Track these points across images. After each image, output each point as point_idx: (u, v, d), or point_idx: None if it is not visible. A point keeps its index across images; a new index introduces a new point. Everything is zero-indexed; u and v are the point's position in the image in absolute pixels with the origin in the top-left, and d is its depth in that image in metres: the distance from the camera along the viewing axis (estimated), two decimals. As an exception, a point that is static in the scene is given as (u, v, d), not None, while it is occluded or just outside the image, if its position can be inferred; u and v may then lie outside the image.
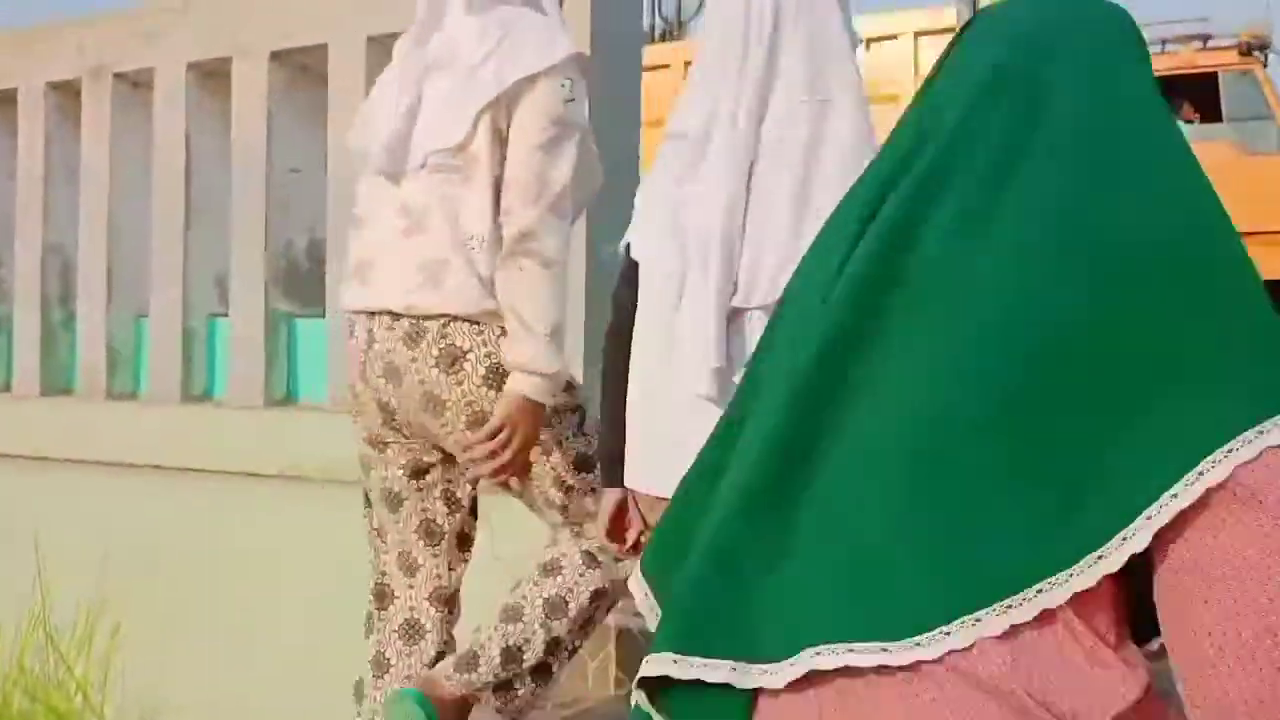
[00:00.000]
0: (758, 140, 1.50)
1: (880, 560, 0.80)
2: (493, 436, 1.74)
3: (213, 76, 3.77)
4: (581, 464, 1.90)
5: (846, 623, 0.80)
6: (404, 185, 1.82)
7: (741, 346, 1.47)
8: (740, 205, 1.49)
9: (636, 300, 1.59)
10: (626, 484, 1.63)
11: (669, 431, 1.50)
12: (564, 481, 1.90)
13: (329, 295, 3.40)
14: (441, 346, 1.79)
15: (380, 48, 3.35)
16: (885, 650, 0.77)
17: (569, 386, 1.91)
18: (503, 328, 1.78)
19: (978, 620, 0.76)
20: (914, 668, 0.77)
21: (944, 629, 0.76)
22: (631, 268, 1.61)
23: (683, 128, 1.57)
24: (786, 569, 0.84)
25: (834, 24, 1.53)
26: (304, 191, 3.68)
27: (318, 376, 3.49)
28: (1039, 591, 0.75)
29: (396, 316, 1.81)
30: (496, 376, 1.79)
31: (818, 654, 0.80)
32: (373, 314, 1.85)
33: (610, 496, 1.71)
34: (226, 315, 3.69)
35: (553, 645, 1.88)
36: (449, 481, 1.94)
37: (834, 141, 1.49)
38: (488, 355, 1.79)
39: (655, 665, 0.86)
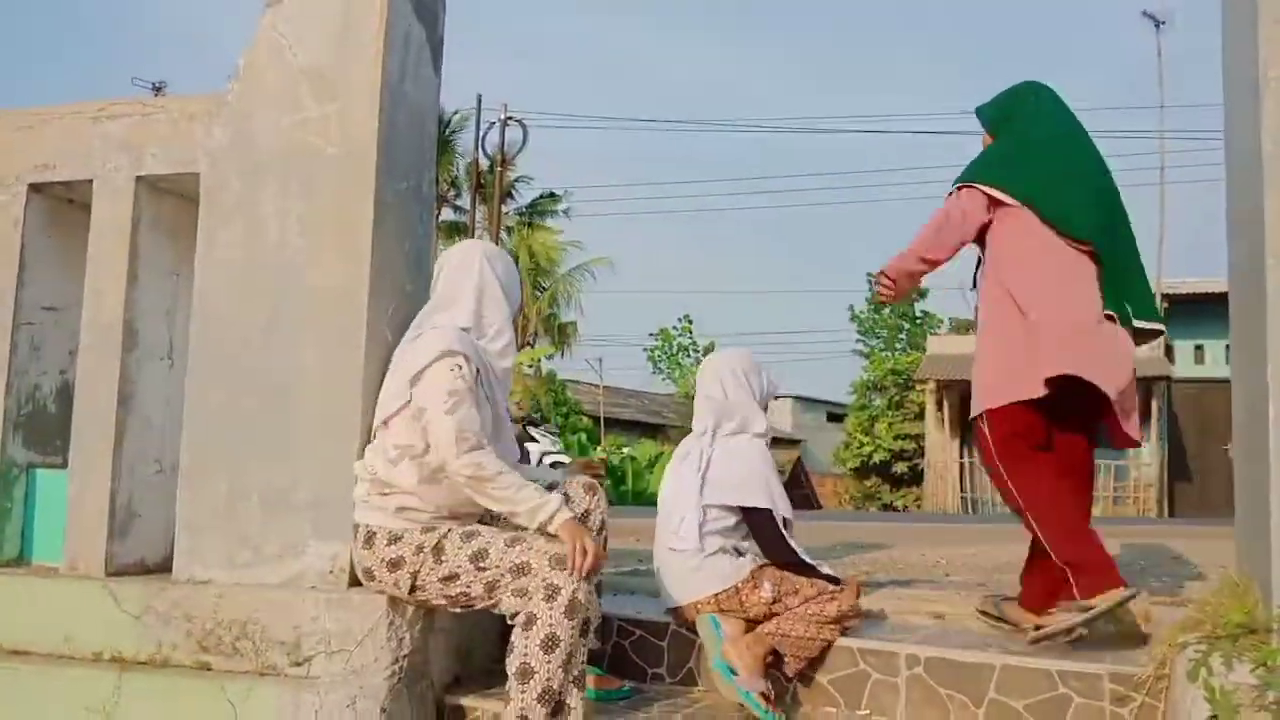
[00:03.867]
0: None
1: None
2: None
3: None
4: (479, 556, 2.60)
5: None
6: None
7: None
8: None
9: None
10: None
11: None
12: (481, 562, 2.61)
13: (74, 443, 3.13)
14: None
15: (149, 187, 3.20)
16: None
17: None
18: None
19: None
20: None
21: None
22: None
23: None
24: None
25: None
26: (58, 331, 3.42)
27: (55, 534, 3.16)
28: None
29: None
30: None
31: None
32: None
33: None
34: (-44, 463, 3.33)
35: (567, 663, 2.50)
36: None
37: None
38: None
39: None
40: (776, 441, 33.46)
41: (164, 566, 3.12)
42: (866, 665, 2.87)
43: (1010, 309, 3.02)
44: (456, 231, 25.23)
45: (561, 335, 27.11)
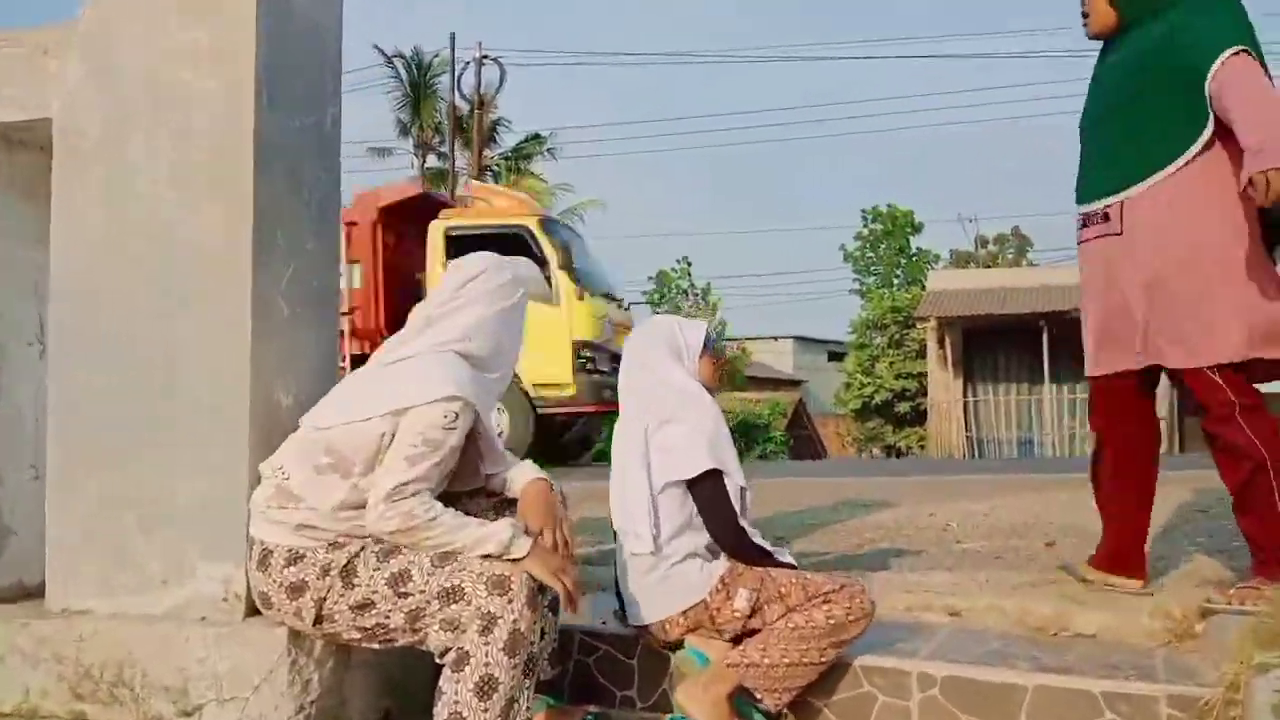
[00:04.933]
0: None
1: None
2: None
3: None
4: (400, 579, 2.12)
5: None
6: None
7: None
8: None
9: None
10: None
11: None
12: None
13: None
14: None
15: (5, 142, 2.68)
16: None
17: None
18: None
19: None
20: None
21: None
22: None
23: None
24: None
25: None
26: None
27: (-84, 554, 2.69)
28: None
29: None
30: None
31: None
32: None
33: None
34: None
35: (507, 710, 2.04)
36: None
37: None
38: None
39: None
40: (778, 384, 33.10)
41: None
42: (871, 686, 2.40)
43: (1243, 235, 2.61)
44: (440, 179, 24.54)
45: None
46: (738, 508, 2.48)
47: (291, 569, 2.16)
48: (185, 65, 2.41)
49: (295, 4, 2.50)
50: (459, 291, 2.37)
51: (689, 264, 33.64)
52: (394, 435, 2.14)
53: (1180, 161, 2.62)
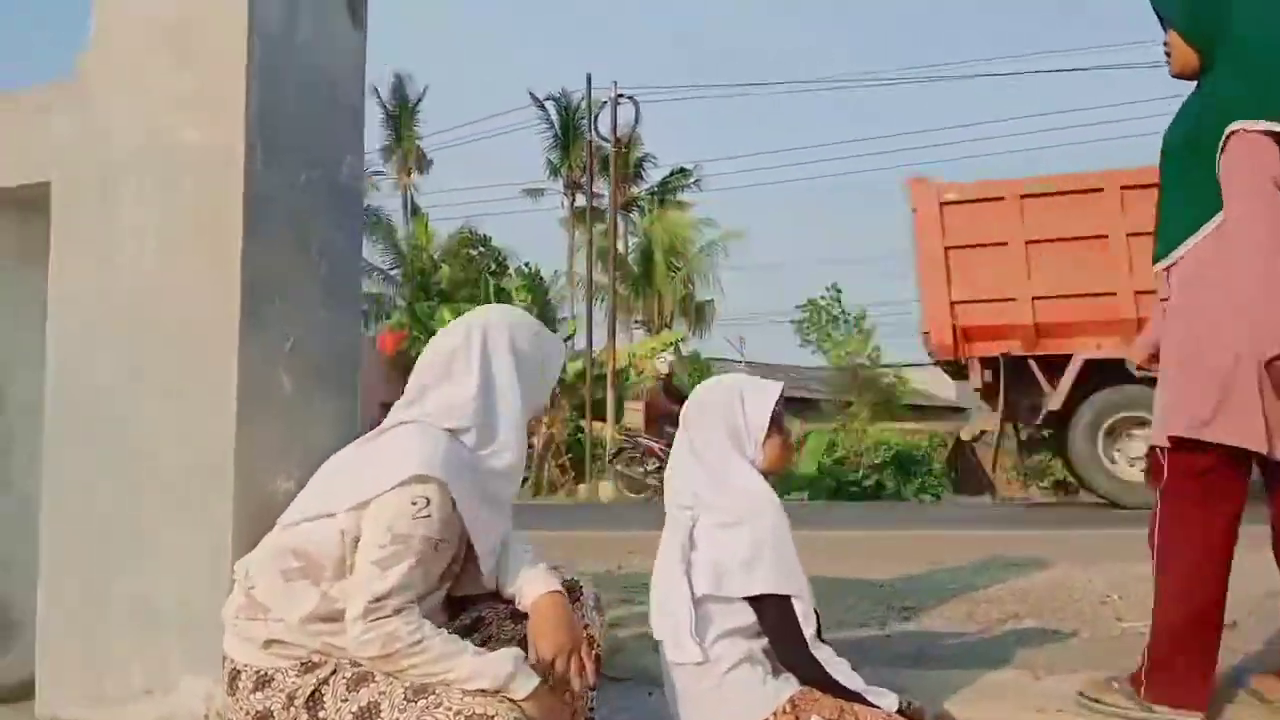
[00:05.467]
0: None
1: None
2: None
3: None
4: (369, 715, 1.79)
5: None
6: None
7: None
8: None
9: None
10: None
11: None
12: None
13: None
14: None
15: (18, 207, 2.52)
16: None
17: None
18: None
19: None
20: None
21: None
22: None
23: None
24: None
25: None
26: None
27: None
28: None
29: None
30: None
31: None
32: None
33: None
34: None
35: None
36: None
37: None
38: None
39: None
40: (938, 412, 31.66)
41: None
42: None
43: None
44: (582, 218, 24.81)
45: (699, 315, 26.30)
46: (809, 632, 2.05)
47: (258, 694, 1.85)
48: (175, 115, 2.18)
49: (298, 44, 2.23)
50: (438, 357, 2.02)
51: (839, 290, 32.81)
52: (358, 535, 1.81)
53: (1209, 228, 2.34)
